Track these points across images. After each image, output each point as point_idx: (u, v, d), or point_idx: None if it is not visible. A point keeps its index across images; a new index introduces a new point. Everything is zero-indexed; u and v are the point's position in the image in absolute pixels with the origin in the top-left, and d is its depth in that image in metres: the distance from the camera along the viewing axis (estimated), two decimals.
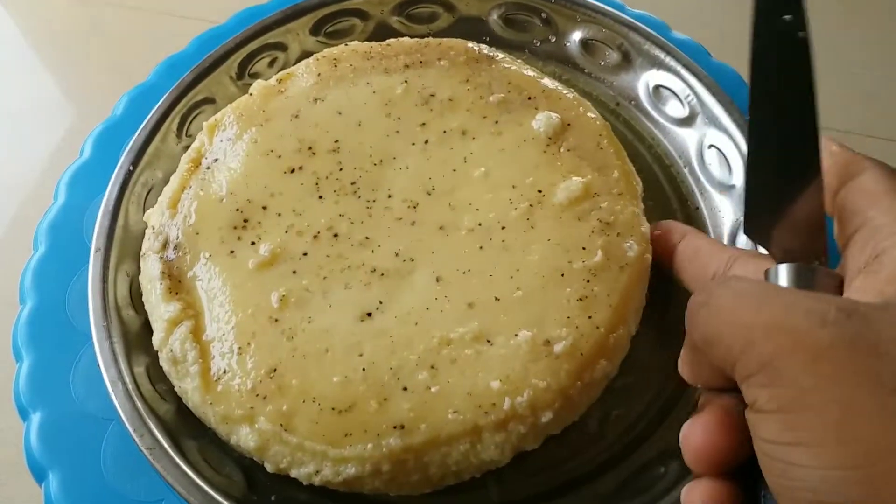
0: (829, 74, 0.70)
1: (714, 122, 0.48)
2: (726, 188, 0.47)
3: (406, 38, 0.50)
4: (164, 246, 0.42)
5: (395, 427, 0.35)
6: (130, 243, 0.45)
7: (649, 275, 0.41)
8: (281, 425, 0.36)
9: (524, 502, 0.39)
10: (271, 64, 0.54)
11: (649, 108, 0.52)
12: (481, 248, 0.40)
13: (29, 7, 0.78)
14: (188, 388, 0.38)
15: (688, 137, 0.50)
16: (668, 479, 0.38)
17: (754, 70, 0.31)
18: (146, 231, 0.44)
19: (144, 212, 0.46)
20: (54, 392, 0.43)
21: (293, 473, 0.36)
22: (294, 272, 0.40)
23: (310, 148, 0.45)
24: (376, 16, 0.56)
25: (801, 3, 0.30)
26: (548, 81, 0.47)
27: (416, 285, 0.39)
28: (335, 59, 0.49)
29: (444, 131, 0.45)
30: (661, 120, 0.51)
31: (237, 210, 0.42)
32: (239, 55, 0.53)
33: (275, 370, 0.37)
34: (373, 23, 0.56)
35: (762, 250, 0.32)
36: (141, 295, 0.43)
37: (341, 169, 0.44)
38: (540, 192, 0.42)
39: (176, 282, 0.41)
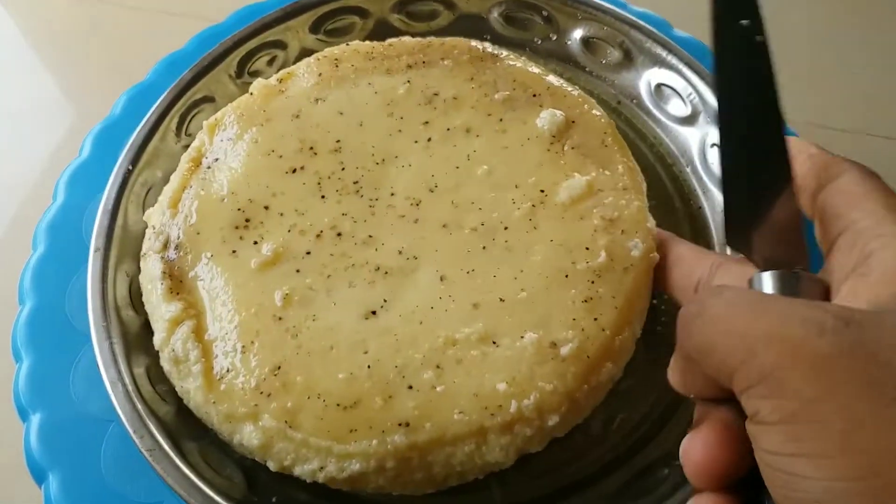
0: (830, 74, 0.70)
1: (716, 120, 0.48)
2: None
3: (408, 38, 0.50)
4: (165, 246, 0.42)
5: (400, 424, 0.35)
6: (130, 243, 0.45)
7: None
8: (285, 422, 0.36)
9: None
10: (271, 62, 0.54)
11: (651, 107, 0.52)
12: (484, 247, 0.40)
13: (28, 6, 0.78)
14: (190, 387, 0.38)
15: (690, 136, 0.50)
16: (672, 482, 0.38)
17: (718, 77, 0.31)
18: (147, 231, 0.44)
19: (144, 211, 0.45)
20: (54, 393, 0.43)
21: (297, 471, 0.36)
22: (297, 271, 0.40)
23: (311, 148, 0.44)
24: (376, 13, 0.55)
25: (757, 7, 0.30)
26: (553, 79, 0.47)
27: (419, 284, 0.39)
28: (336, 60, 0.48)
29: (448, 129, 0.45)
30: (663, 119, 0.51)
31: (239, 210, 0.42)
32: (238, 53, 0.53)
33: (279, 368, 0.37)
34: (372, 20, 0.56)
35: None
36: (141, 295, 0.43)
37: (343, 168, 0.44)
38: (542, 191, 0.42)
39: (177, 282, 0.41)
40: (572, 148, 0.43)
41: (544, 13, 0.55)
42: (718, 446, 0.27)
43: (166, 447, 0.38)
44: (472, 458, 0.36)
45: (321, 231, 0.41)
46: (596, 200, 0.41)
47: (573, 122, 0.45)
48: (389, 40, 0.50)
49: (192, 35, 0.58)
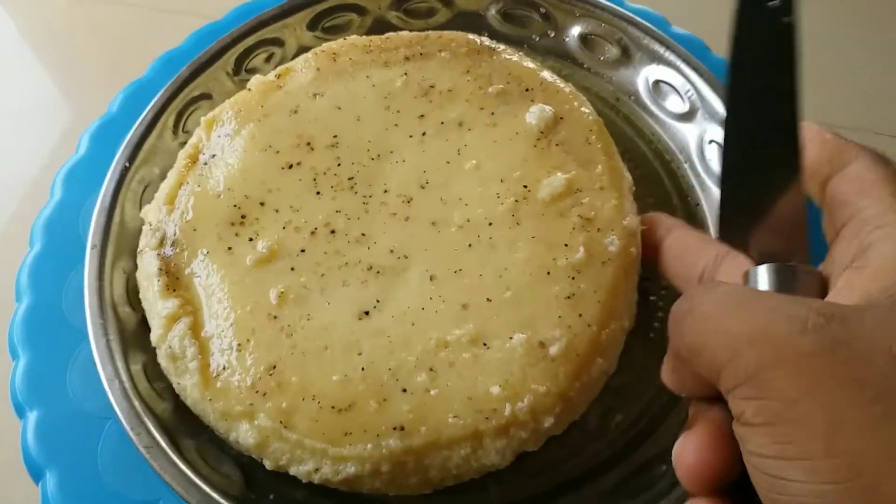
0: (830, 74, 0.70)
1: (714, 117, 0.48)
2: None
3: (405, 32, 0.50)
4: (162, 242, 0.42)
5: (394, 428, 0.35)
6: (127, 240, 0.45)
7: (639, 268, 0.41)
8: (280, 422, 0.36)
9: (525, 502, 0.39)
10: (268, 59, 0.54)
11: (649, 104, 0.51)
12: (470, 245, 0.40)
13: (26, 4, 0.78)
14: (187, 384, 0.38)
15: (688, 133, 0.50)
16: (670, 478, 0.38)
17: (734, 58, 0.30)
18: (143, 227, 0.44)
19: (141, 208, 0.45)
20: (51, 390, 0.43)
21: (292, 471, 0.36)
22: (292, 269, 0.40)
23: (308, 143, 0.44)
24: (374, 11, 0.55)
25: None
26: (547, 74, 0.47)
27: (411, 284, 0.39)
28: (334, 54, 0.48)
29: (442, 123, 0.45)
30: (661, 115, 0.51)
31: (235, 206, 0.42)
32: (235, 51, 0.53)
33: (274, 367, 0.37)
34: (370, 18, 0.55)
35: None
36: (137, 292, 0.43)
37: (339, 164, 0.43)
38: (525, 187, 0.42)
39: (173, 278, 0.40)
40: (557, 144, 0.43)
41: (542, 10, 0.54)
42: (711, 450, 0.26)
43: (163, 444, 0.38)
44: (468, 461, 0.35)
45: (315, 228, 0.41)
46: (574, 199, 0.41)
47: (561, 118, 0.44)
48: (387, 34, 0.50)
49: (189, 32, 0.58)
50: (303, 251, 0.40)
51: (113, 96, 0.55)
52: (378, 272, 0.40)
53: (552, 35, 0.55)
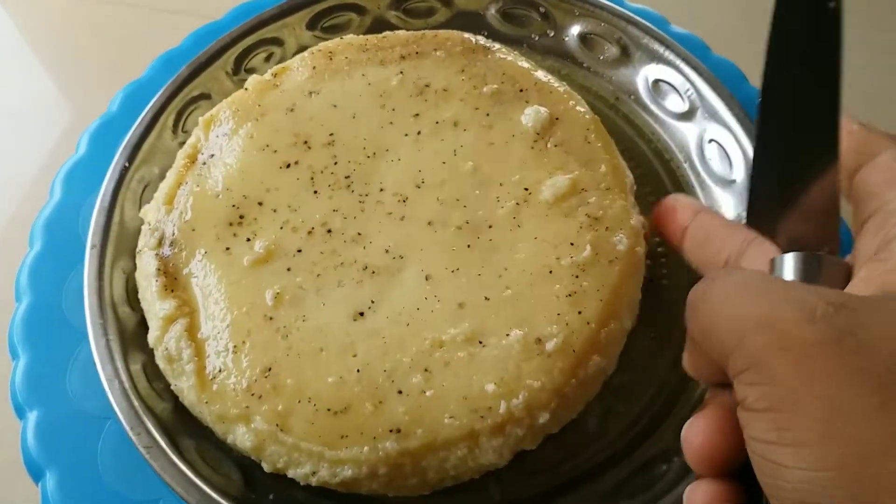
0: None
1: (714, 116, 0.48)
2: (727, 183, 0.47)
3: (402, 31, 0.50)
4: (160, 242, 0.42)
5: (391, 430, 0.35)
6: (126, 240, 0.45)
7: (643, 268, 0.41)
8: (277, 425, 0.36)
9: (526, 502, 0.39)
10: (268, 59, 0.54)
11: (649, 103, 0.51)
12: (469, 246, 0.40)
13: (25, 4, 0.78)
14: (184, 386, 0.38)
15: (688, 132, 0.50)
16: (670, 478, 0.38)
17: (773, 42, 0.30)
18: (142, 227, 0.44)
19: (140, 208, 0.45)
20: (51, 390, 0.43)
21: (290, 474, 0.36)
22: (288, 269, 0.40)
23: (305, 142, 0.44)
24: (373, 10, 0.55)
25: None
26: (541, 74, 0.47)
27: (406, 284, 0.39)
28: (330, 52, 0.48)
29: (437, 122, 0.45)
30: (660, 114, 0.51)
31: (233, 206, 0.42)
32: (235, 50, 0.53)
33: (270, 369, 0.37)
34: (370, 17, 0.55)
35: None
36: (137, 292, 0.43)
37: (336, 163, 0.43)
38: (526, 189, 0.42)
39: (171, 279, 0.40)
40: (556, 145, 0.43)
41: (541, 9, 0.54)
42: (718, 432, 0.26)
43: (163, 444, 0.38)
44: (466, 462, 0.35)
45: (312, 228, 0.41)
46: (580, 199, 0.41)
47: (557, 118, 0.44)
48: (384, 33, 0.50)
49: (189, 32, 0.58)
50: (299, 251, 0.40)
51: (112, 96, 0.55)
52: (373, 272, 0.39)
53: (551, 34, 0.54)
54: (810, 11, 0.29)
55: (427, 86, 0.46)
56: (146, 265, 0.42)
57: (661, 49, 0.51)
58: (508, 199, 0.41)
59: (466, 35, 0.49)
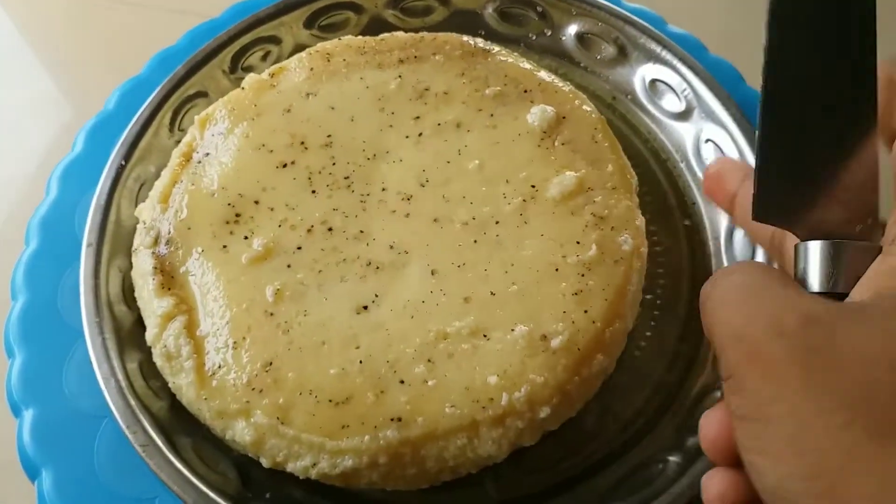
0: None
1: (710, 116, 0.48)
2: None
3: (400, 33, 0.50)
4: (156, 241, 0.42)
5: (392, 420, 0.35)
6: (123, 238, 0.45)
7: (646, 269, 0.41)
8: (277, 418, 0.36)
9: (522, 500, 0.39)
10: (264, 58, 0.54)
11: (646, 103, 0.51)
12: (475, 241, 0.40)
13: (23, 2, 0.78)
14: (182, 383, 0.38)
15: (684, 132, 0.50)
16: (667, 476, 0.38)
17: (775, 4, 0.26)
18: (138, 226, 0.44)
19: (136, 207, 0.45)
20: (47, 389, 0.43)
21: (289, 467, 0.36)
22: (288, 266, 0.40)
23: (302, 142, 0.44)
24: (370, 9, 0.55)
25: None
26: (544, 74, 0.47)
27: (411, 278, 0.39)
28: (328, 54, 0.48)
29: (439, 124, 0.45)
30: (657, 114, 0.51)
31: (229, 205, 0.42)
32: (232, 49, 0.52)
33: (270, 364, 0.37)
34: (367, 16, 0.55)
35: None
36: (133, 290, 0.42)
37: (334, 163, 0.43)
38: (533, 186, 0.42)
39: (168, 277, 0.40)
40: (563, 144, 0.43)
41: (539, 9, 0.54)
42: (730, 426, 0.27)
43: (160, 443, 0.38)
44: (465, 452, 0.36)
45: (312, 226, 0.41)
46: (586, 198, 0.41)
47: (564, 117, 0.45)
48: (382, 35, 0.50)
49: (186, 30, 0.58)
50: (299, 248, 0.40)
51: (109, 94, 0.55)
52: (377, 268, 0.40)
53: (549, 34, 0.55)
54: None
55: (427, 89, 0.46)
56: (142, 263, 0.41)
57: (658, 49, 0.51)
58: (515, 196, 0.41)
59: (465, 38, 0.49)
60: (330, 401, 0.36)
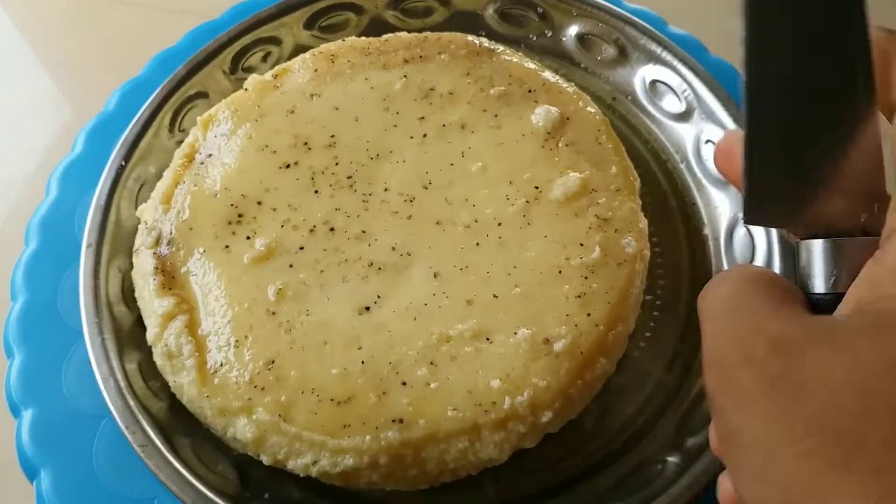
0: None
1: (711, 117, 0.48)
2: (723, 183, 0.47)
3: (404, 33, 0.50)
4: (158, 241, 0.42)
5: (393, 421, 0.35)
6: (122, 239, 0.45)
7: (647, 271, 0.41)
8: (279, 415, 0.36)
9: (522, 500, 0.39)
10: (265, 58, 0.54)
11: (646, 103, 0.51)
12: (478, 244, 0.40)
13: (24, 2, 0.78)
14: (184, 382, 0.38)
15: (684, 132, 0.50)
16: (667, 476, 0.38)
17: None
18: (139, 226, 0.44)
19: (136, 207, 0.45)
20: (46, 389, 0.43)
21: (290, 465, 0.36)
22: (291, 266, 0.40)
23: (305, 143, 0.44)
24: (371, 10, 0.55)
25: None
26: (549, 74, 0.47)
27: (413, 280, 0.39)
28: (332, 55, 0.48)
29: (444, 125, 0.45)
30: (657, 115, 0.51)
31: (231, 205, 0.42)
32: (232, 49, 0.53)
33: (273, 362, 0.37)
34: (367, 17, 0.55)
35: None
36: (133, 291, 0.42)
37: (337, 163, 0.43)
38: (537, 188, 0.42)
39: (169, 277, 0.40)
40: (567, 145, 0.43)
41: (539, 10, 0.54)
42: None
43: (158, 443, 0.38)
44: (466, 455, 0.35)
45: (314, 226, 0.41)
46: (590, 199, 0.41)
47: (568, 118, 0.45)
48: (385, 36, 0.50)
49: (186, 31, 0.58)
50: (301, 248, 0.40)
51: (109, 95, 0.55)
52: (379, 269, 0.40)
53: (549, 35, 0.55)
54: None
55: (432, 89, 0.46)
56: (143, 264, 0.41)
57: (658, 50, 0.51)
58: (519, 197, 0.41)
59: (470, 37, 0.49)
60: (332, 400, 0.36)
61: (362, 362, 0.37)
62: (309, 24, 0.55)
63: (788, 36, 0.24)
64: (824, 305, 0.23)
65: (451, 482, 0.37)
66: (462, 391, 0.36)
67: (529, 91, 0.46)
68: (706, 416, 0.39)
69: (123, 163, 0.47)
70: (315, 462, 0.35)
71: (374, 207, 0.42)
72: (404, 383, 0.36)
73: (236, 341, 0.38)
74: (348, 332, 0.38)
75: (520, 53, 0.49)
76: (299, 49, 0.52)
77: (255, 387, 0.36)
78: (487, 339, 0.37)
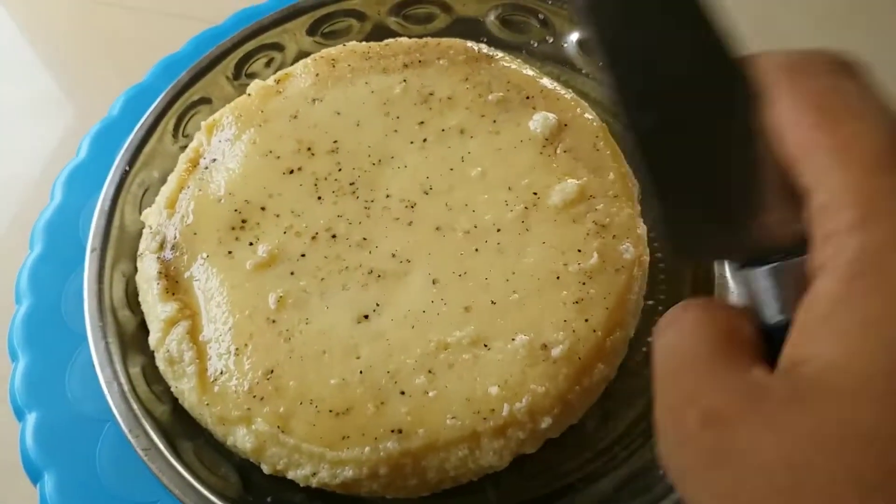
0: None
1: None
2: None
3: (404, 38, 0.50)
4: (162, 246, 0.42)
5: (392, 431, 0.35)
6: (126, 243, 0.45)
7: (647, 277, 0.41)
8: (278, 427, 0.36)
9: None
10: (268, 64, 0.54)
11: None
12: (477, 250, 0.40)
13: (28, 6, 0.78)
14: (185, 388, 0.38)
15: None
16: (667, 482, 0.38)
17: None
18: (143, 231, 0.44)
19: (140, 212, 0.46)
20: (50, 393, 0.43)
21: (290, 475, 0.36)
22: (292, 273, 0.40)
23: (308, 149, 0.44)
24: (373, 16, 0.56)
25: None
26: (546, 81, 0.47)
27: (412, 287, 0.39)
28: (333, 60, 0.48)
29: (443, 130, 0.45)
30: None
31: (235, 211, 0.42)
32: (236, 55, 0.53)
33: (272, 371, 0.37)
34: (370, 23, 0.56)
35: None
36: (137, 295, 0.43)
37: (340, 169, 0.44)
38: (535, 194, 0.42)
39: (173, 282, 0.41)
40: (565, 151, 0.44)
41: (540, 16, 0.55)
42: None
43: (161, 447, 0.38)
44: (466, 463, 0.36)
45: (316, 233, 0.41)
46: (588, 205, 0.41)
47: (565, 125, 0.45)
48: (386, 41, 0.50)
49: (190, 37, 0.58)
50: (303, 256, 0.40)
51: (113, 100, 0.55)
52: (379, 276, 0.40)
53: (551, 41, 0.55)
54: None
55: (431, 94, 0.46)
56: (147, 268, 0.42)
57: None
58: (517, 203, 0.42)
59: (469, 43, 0.49)
60: (330, 411, 0.36)
61: (361, 372, 0.37)
62: (312, 31, 0.55)
63: (657, 78, 0.23)
64: (780, 335, 0.21)
65: (452, 488, 0.37)
66: (460, 399, 0.36)
67: (527, 97, 0.46)
68: None
69: (127, 168, 0.47)
70: (314, 473, 0.35)
71: (376, 214, 0.42)
72: (403, 392, 0.36)
73: (236, 349, 0.38)
74: (347, 340, 0.38)
75: (518, 60, 0.49)
76: (302, 55, 0.52)
77: (254, 396, 0.36)
78: (485, 345, 0.37)
